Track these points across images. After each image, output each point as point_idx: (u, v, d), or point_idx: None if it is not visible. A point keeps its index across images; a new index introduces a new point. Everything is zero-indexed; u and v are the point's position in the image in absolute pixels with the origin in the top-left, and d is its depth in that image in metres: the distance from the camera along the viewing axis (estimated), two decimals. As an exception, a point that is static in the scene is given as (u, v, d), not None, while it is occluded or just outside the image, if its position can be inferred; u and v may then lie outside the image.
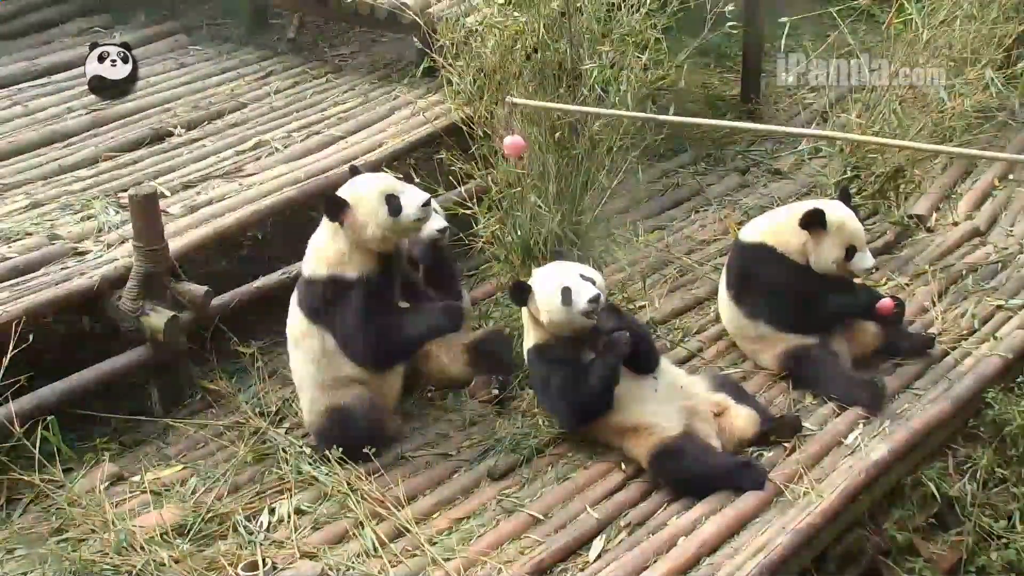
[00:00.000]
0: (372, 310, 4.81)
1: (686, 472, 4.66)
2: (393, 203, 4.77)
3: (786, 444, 4.91)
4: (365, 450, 4.75)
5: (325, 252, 4.85)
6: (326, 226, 4.87)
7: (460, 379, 5.33)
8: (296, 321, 4.96)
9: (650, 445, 4.71)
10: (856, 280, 5.52)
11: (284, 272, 5.64)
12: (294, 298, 4.99)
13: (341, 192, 4.84)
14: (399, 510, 4.57)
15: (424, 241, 5.27)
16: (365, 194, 4.78)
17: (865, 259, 5.33)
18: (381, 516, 4.56)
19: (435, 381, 5.34)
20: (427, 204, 4.81)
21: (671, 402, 4.79)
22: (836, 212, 5.30)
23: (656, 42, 5.30)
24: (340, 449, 4.80)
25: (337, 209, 4.77)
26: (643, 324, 5.18)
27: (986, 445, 5.19)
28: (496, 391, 5.21)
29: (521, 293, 4.81)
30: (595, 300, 4.65)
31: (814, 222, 5.24)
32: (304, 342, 4.92)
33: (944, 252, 6.37)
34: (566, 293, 4.68)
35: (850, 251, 5.28)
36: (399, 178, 5.19)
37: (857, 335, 5.46)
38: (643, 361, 4.81)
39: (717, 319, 5.73)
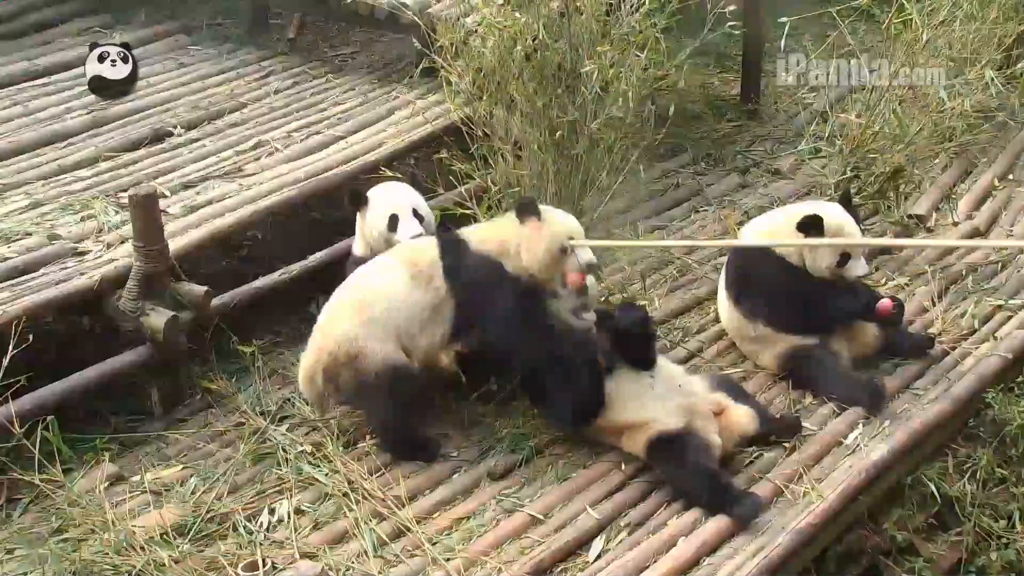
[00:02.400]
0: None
1: (685, 463, 4.62)
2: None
3: (786, 444, 4.91)
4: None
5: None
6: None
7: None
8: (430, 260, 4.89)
9: (650, 434, 4.70)
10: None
11: (284, 272, 5.64)
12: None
13: None
14: (399, 509, 4.57)
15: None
16: None
17: (858, 266, 5.31)
18: (382, 516, 4.56)
19: (434, 381, 5.34)
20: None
21: (669, 399, 4.79)
22: (834, 218, 5.28)
23: (656, 42, 5.29)
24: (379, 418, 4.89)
25: None
26: (642, 319, 4.99)
27: (986, 445, 5.19)
28: (494, 387, 5.20)
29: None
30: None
31: (812, 228, 5.24)
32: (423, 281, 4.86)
33: (944, 252, 6.37)
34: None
35: (844, 257, 5.27)
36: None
37: (857, 335, 5.45)
38: (640, 356, 4.81)
39: (717, 319, 5.73)
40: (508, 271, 4.80)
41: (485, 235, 4.90)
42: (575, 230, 4.86)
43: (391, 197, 5.32)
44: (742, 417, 4.87)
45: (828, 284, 5.30)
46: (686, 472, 4.62)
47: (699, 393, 4.90)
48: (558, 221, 4.84)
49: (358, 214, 5.35)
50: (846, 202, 5.48)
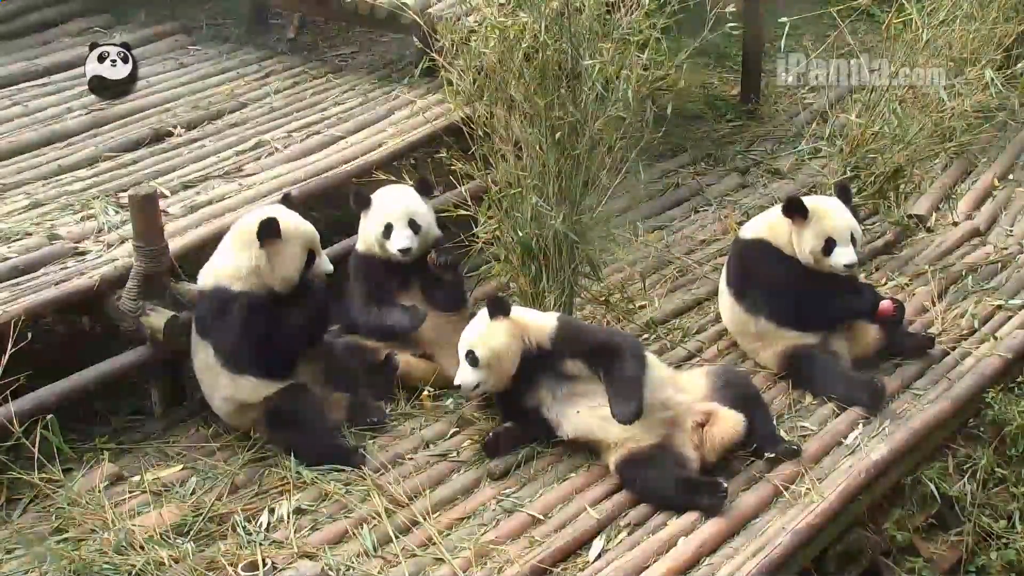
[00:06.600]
0: None
1: (650, 481, 4.60)
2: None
3: (785, 443, 4.91)
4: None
5: None
6: None
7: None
8: None
9: (619, 455, 4.69)
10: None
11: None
12: None
13: None
14: (402, 507, 4.57)
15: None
16: None
17: (842, 254, 5.25)
18: (382, 515, 4.56)
19: (433, 382, 5.34)
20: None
21: (648, 416, 4.69)
22: (821, 203, 5.30)
23: (656, 42, 5.29)
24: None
25: None
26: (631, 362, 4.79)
27: (986, 445, 5.20)
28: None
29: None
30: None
31: (794, 210, 5.25)
32: None
33: (944, 252, 6.37)
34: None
35: (829, 244, 5.26)
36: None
37: (857, 335, 5.46)
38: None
39: (717, 319, 5.73)
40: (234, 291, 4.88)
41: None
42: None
43: (390, 204, 5.37)
44: (727, 429, 4.73)
45: (831, 279, 5.30)
46: (653, 486, 4.60)
47: (686, 401, 4.80)
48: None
49: (361, 215, 5.40)
50: (844, 194, 5.48)
